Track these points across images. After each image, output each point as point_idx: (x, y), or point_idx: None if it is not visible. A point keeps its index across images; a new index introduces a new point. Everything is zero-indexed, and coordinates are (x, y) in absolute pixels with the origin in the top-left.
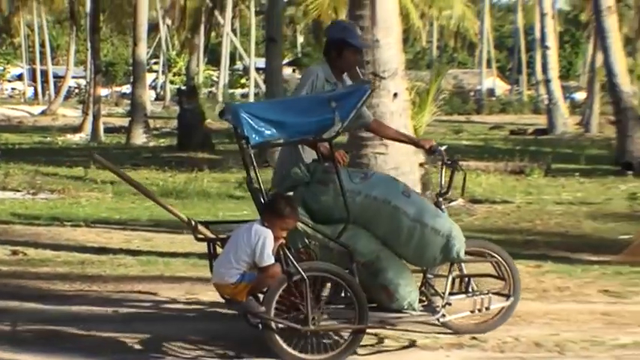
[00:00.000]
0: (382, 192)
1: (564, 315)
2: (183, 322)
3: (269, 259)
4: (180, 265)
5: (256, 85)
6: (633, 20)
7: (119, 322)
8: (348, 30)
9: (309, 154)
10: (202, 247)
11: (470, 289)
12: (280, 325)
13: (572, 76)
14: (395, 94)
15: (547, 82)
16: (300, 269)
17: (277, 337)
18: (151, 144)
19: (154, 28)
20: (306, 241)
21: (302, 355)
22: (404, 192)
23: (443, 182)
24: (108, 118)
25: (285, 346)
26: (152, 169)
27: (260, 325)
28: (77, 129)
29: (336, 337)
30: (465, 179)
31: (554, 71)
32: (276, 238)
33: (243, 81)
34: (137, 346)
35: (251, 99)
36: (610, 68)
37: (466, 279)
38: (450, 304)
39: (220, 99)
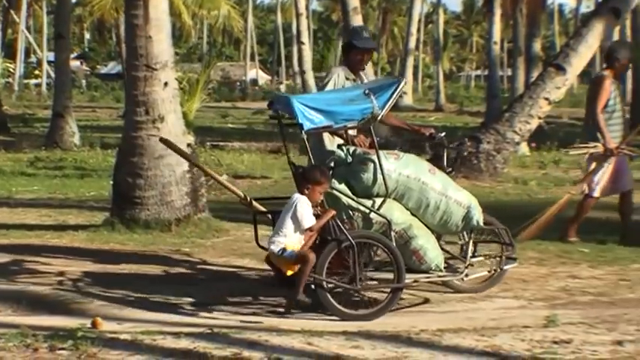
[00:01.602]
0: (413, 170)
1: None
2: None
3: (309, 221)
4: None
5: (48, 76)
6: (377, 19)
7: None
8: (355, 33)
9: (329, 142)
10: None
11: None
12: (331, 285)
13: (324, 68)
14: (165, 84)
15: (302, 73)
16: (349, 236)
17: (329, 296)
18: None
19: None
20: (350, 212)
21: (350, 311)
22: (430, 170)
23: (445, 164)
24: None
25: (335, 303)
26: None
27: (313, 286)
28: None
29: (378, 295)
30: (460, 159)
31: (308, 64)
32: (314, 202)
33: (37, 72)
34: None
35: (43, 89)
36: None
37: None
38: (472, 265)
39: (16, 88)
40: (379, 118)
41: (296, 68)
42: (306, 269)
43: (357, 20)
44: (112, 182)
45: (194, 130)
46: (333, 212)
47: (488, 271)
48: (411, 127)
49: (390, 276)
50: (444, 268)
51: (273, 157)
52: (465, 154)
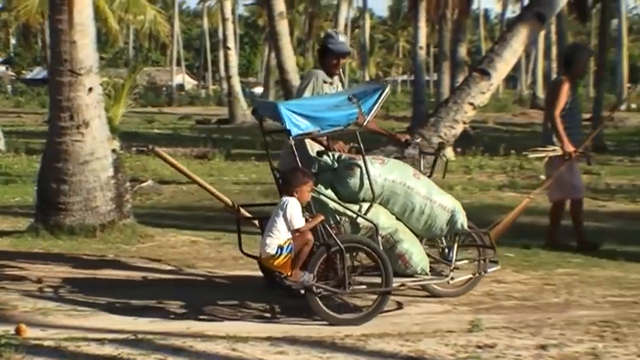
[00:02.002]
0: (398, 175)
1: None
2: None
3: (298, 222)
4: None
5: None
6: (304, 24)
7: None
8: (330, 37)
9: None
10: None
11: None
12: (319, 290)
13: (251, 73)
14: (90, 89)
15: (229, 78)
16: (338, 241)
17: (318, 301)
18: None
19: None
20: (337, 217)
21: (340, 316)
22: (414, 174)
23: (422, 168)
24: None
25: (325, 308)
26: None
27: (302, 291)
28: None
29: (366, 300)
30: (446, 164)
31: (234, 69)
32: (304, 202)
33: None
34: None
35: None
36: (282, 66)
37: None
38: (457, 269)
39: None
40: (365, 123)
41: (222, 73)
42: (305, 249)
43: (282, 25)
44: (36, 188)
45: (119, 135)
46: (322, 217)
47: (472, 274)
48: (388, 133)
49: (376, 280)
50: (432, 271)
51: (199, 162)
52: (444, 159)
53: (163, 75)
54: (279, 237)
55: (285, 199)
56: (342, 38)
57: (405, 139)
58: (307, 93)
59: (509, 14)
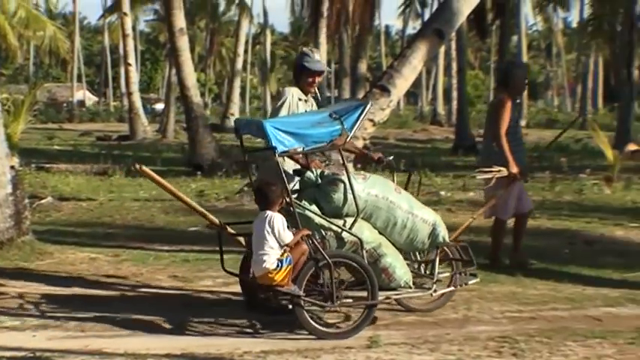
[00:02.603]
0: (380, 189)
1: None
2: None
3: (288, 236)
4: None
5: None
6: (205, 40)
7: None
8: (306, 55)
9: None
10: None
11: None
12: (307, 304)
13: (152, 89)
14: None
15: (129, 94)
16: (326, 256)
17: (305, 314)
18: None
19: None
20: (323, 232)
21: (327, 330)
22: (395, 189)
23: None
24: None
25: (312, 322)
26: None
27: (290, 305)
28: None
29: (352, 313)
30: (420, 181)
31: (135, 85)
32: (275, 206)
33: None
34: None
35: None
36: (183, 82)
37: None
38: (440, 281)
39: None
40: (347, 139)
41: (123, 89)
42: (302, 259)
43: (183, 41)
44: None
45: (19, 151)
46: (308, 231)
47: (454, 286)
48: (361, 152)
49: (360, 294)
50: (414, 284)
51: (99, 179)
52: (416, 176)
53: (64, 91)
54: (274, 252)
55: (269, 214)
56: (317, 57)
57: (377, 157)
58: (284, 111)
59: (410, 30)
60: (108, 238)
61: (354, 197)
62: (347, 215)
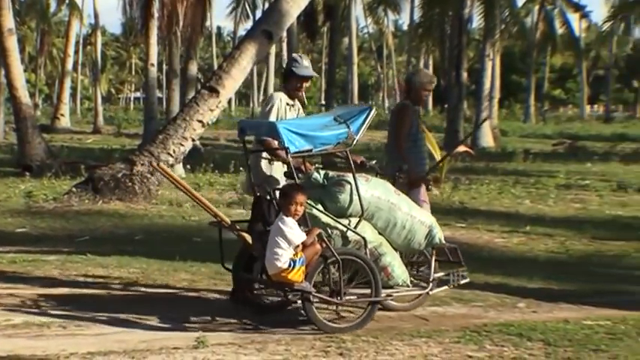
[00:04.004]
0: (382, 191)
1: None
2: None
3: (299, 238)
4: None
5: None
6: (36, 41)
7: None
8: (295, 61)
9: (267, 167)
10: None
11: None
12: (316, 300)
13: None
14: None
15: None
16: (335, 253)
17: (314, 310)
18: None
19: None
20: (329, 231)
21: (334, 325)
22: (395, 191)
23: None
24: None
25: (320, 317)
26: None
27: (300, 300)
28: None
29: (356, 309)
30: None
31: None
32: (298, 216)
33: None
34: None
35: None
36: (12, 83)
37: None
38: (436, 280)
39: None
40: (354, 142)
41: None
42: (315, 258)
43: (11, 41)
44: None
45: None
46: (319, 230)
47: (449, 286)
48: (344, 156)
49: (363, 291)
50: (412, 282)
51: None
52: (401, 180)
53: None
54: (286, 252)
55: (280, 220)
56: (306, 62)
57: (360, 160)
58: (272, 116)
59: (241, 32)
60: None
61: (360, 198)
62: (350, 215)
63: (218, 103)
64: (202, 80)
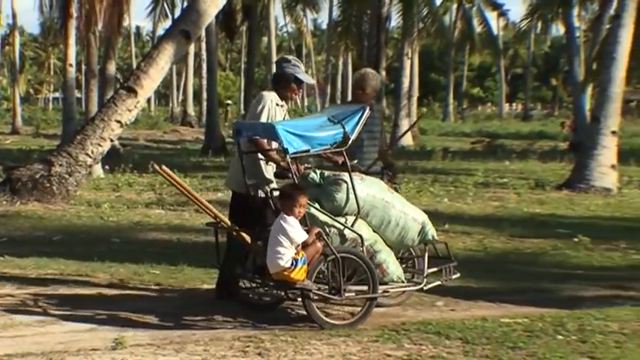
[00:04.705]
0: (377, 189)
1: None
2: None
3: (301, 237)
4: None
5: None
6: None
7: None
8: (296, 66)
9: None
10: None
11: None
12: (316, 297)
13: None
14: None
15: None
16: (334, 251)
17: (314, 307)
18: None
19: None
20: (327, 229)
21: (333, 321)
22: (388, 190)
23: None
24: None
25: (320, 314)
26: None
27: (300, 298)
28: None
29: (354, 306)
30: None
31: None
32: (300, 216)
33: None
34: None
35: None
36: None
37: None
38: (429, 275)
39: None
40: (349, 142)
41: None
42: (316, 257)
43: None
44: None
45: None
46: (319, 229)
47: (442, 280)
48: (326, 155)
49: (361, 288)
50: (407, 278)
51: None
52: (394, 180)
53: None
54: (288, 252)
55: (282, 219)
56: (303, 67)
57: (341, 160)
58: (264, 116)
59: (160, 31)
60: None
61: (356, 196)
62: (347, 214)
63: (136, 103)
64: (121, 80)
